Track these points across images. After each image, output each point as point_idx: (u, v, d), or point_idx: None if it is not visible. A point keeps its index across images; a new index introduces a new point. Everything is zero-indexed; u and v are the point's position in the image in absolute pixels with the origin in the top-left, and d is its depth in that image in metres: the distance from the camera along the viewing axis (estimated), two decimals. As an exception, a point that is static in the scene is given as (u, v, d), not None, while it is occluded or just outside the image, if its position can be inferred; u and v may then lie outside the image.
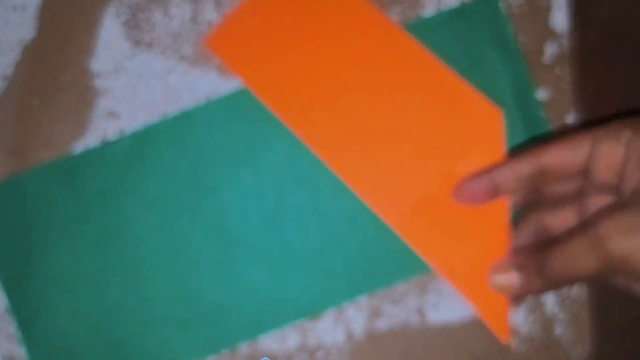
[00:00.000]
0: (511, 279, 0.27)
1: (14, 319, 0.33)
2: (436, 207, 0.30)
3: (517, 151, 0.29)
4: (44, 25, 0.34)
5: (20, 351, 0.34)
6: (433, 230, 0.30)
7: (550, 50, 0.34)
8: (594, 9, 0.34)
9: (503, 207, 0.29)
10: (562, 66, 0.34)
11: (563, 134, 0.32)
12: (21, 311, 0.33)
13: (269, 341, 0.34)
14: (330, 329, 0.34)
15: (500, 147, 0.30)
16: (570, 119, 0.34)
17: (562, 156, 0.26)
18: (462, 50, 0.33)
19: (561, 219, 0.29)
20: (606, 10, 0.34)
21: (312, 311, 0.33)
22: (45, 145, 0.34)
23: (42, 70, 0.34)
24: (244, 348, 0.34)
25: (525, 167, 0.27)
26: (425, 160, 0.31)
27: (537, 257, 0.26)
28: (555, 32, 0.34)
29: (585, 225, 0.24)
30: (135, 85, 0.34)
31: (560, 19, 0.34)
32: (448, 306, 0.34)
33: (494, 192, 0.28)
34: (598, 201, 0.28)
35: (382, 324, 0.34)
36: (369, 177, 0.31)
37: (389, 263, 0.33)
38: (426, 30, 0.33)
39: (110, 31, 0.34)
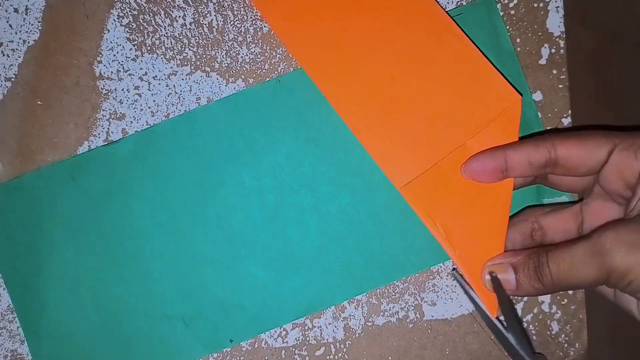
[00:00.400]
0: (507, 279, 0.27)
1: (18, 317, 0.34)
2: (444, 177, 0.31)
3: (533, 135, 0.29)
4: (48, 28, 0.34)
5: (24, 349, 0.34)
6: (438, 199, 0.31)
7: (545, 53, 0.34)
8: (589, 12, 0.34)
9: (508, 187, 0.29)
10: (558, 68, 0.34)
11: (583, 128, 0.32)
12: (25, 309, 0.33)
13: (269, 338, 0.34)
14: (330, 326, 0.34)
15: (515, 129, 0.30)
16: (566, 120, 0.34)
17: (578, 153, 0.26)
18: (460, 52, 0.33)
19: (560, 223, 0.29)
20: (601, 13, 0.34)
21: (312, 309, 0.34)
22: (49, 145, 0.34)
23: (46, 72, 0.34)
24: (245, 345, 0.34)
25: (540, 154, 0.27)
26: (441, 130, 0.31)
27: (536, 259, 0.26)
28: (550, 35, 0.34)
29: (589, 235, 0.24)
30: (139, 87, 0.34)
31: (555, 21, 0.34)
32: (445, 304, 0.34)
33: (503, 173, 0.28)
34: (599, 209, 0.28)
35: (380, 321, 0.34)
36: (384, 139, 0.32)
37: (388, 261, 0.33)
38: (424, 33, 0.33)
39: (114, 33, 0.34)
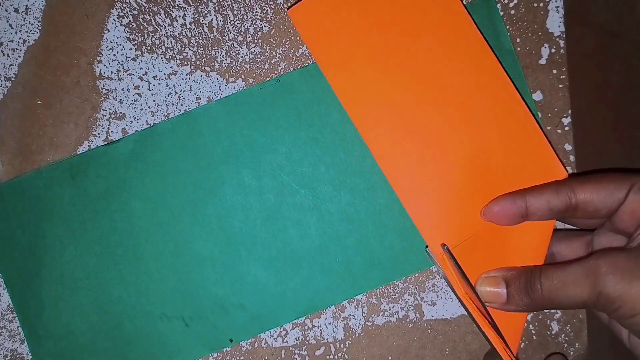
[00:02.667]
0: (498, 292, 0.27)
1: (18, 317, 0.34)
2: (485, 239, 0.30)
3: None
4: (48, 28, 0.34)
5: (24, 349, 0.34)
6: (479, 262, 0.30)
7: (545, 52, 0.34)
8: (589, 12, 0.34)
9: (544, 244, 0.30)
10: (558, 68, 0.34)
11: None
12: (25, 309, 0.34)
13: (269, 338, 0.34)
14: (329, 325, 0.34)
15: None
16: (566, 120, 0.34)
17: (598, 197, 0.26)
18: (460, 52, 0.33)
19: (571, 251, 0.30)
20: (601, 13, 0.34)
21: (312, 308, 0.34)
22: (49, 145, 0.34)
23: (46, 71, 0.34)
24: (245, 344, 0.34)
25: (560, 200, 0.27)
26: (485, 191, 0.30)
27: (529, 273, 0.26)
28: (550, 35, 0.34)
29: (585, 257, 0.25)
30: (139, 87, 0.34)
31: (555, 21, 0.34)
32: (445, 303, 0.34)
33: (523, 218, 0.28)
34: (609, 241, 0.28)
35: (380, 321, 0.34)
36: (427, 198, 0.30)
37: (388, 261, 0.33)
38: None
39: (114, 33, 0.34)
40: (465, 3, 0.34)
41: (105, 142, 0.34)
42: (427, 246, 0.31)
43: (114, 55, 0.34)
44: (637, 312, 0.23)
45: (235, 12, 0.34)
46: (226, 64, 0.34)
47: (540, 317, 0.34)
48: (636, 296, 0.23)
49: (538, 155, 0.30)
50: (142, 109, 0.34)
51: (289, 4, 0.34)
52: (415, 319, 0.34)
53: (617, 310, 0.23)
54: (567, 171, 0.30)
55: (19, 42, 0.34)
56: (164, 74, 0.34)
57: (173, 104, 0.34)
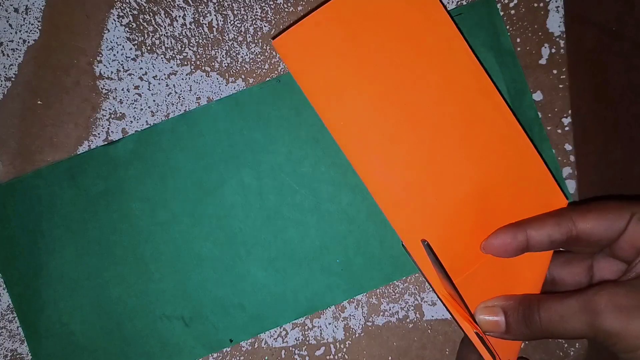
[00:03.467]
0: (497, 321, 0.27)
1: (18, 317, 0.34)
2: (489, 269, 0.29)
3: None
4: (48, 27, 0.34)
5: (24, 349, 0.34)
6: (485, 292, 0.29)
7: (545, 52, 0.34)
8: (589, 12, 0.34)
9: (540, 277, 0.29)
10: (558, 68, 0.34)
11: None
12: (25, 309, 0.33)
13: (269, 338, 0.34)
14: (330, 325, 0.34)
15: None
16: (566, 120, 0.34)
17: (598, 228, 0.26)
18: (460, 52, 0.33)
19: (571, 276, 0.30)
20: (601, 13, 0.34)
21: (312, 308, 0.34)
22: (49, 145, 0.34)
23: (46, 71, 0.34)
24: (245, 344, 0.34)
25: (561, 233, 0.27)
26: (487, 220, 0.29)
27: (527, 304, 0.26)
28: (550, 35, 0.34)
29: (584, 290, 0.25)
30: (139, 87, 0.34)
31: (555, 21, 0.34)
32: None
33: (523, 250, 0.28)
34: (609, 266, 0.28)
35: (380, 321, 0.34)
36: (417, 217, 0.29)
37: (388, 261, 0.33)
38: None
39: (114, 33, 0.34)
40: (465, 3, 0.34)
41: (105, 142, 0.34)
42: (403, 244, 0.30)
43: (114, 55, 0.34)
44: (635, 348, 0.23)
45: (235, 12, 0.34)
46: (226, 64, 0.34)
47: (540, 317, 0.34)
48: (635, 333, 0.23)
49: (538, 183, 0.30)
50: (142, 109, 0.34)
51: (289, 4, 0.34)
52: (415, 319, 0.34)
53: (615, 345, 0.23)
54: (567, 199, 0.30)
55: (19, 42, 0.34)
56: (164, 74, 0.34)
57: (173, 104, 0.34)
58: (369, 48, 0.29)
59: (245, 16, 0.34)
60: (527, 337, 0.26)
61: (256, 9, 0.34)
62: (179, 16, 0.34)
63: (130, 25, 0.34)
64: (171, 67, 0.34)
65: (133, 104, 0.34)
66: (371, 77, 0.29)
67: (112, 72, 0.34)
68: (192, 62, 0.34)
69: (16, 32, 0.34)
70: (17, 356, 0.34)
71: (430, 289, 0.34)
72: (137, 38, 0.34)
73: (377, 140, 0.29)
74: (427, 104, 0.29)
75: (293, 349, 0.34)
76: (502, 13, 0.34)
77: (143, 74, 0.34)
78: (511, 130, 0.30)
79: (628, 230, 0.26)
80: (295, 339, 0.34)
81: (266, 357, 0.34)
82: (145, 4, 0.34)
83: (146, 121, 0.34)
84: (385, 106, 0.29)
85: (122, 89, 0.34)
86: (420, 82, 0.29)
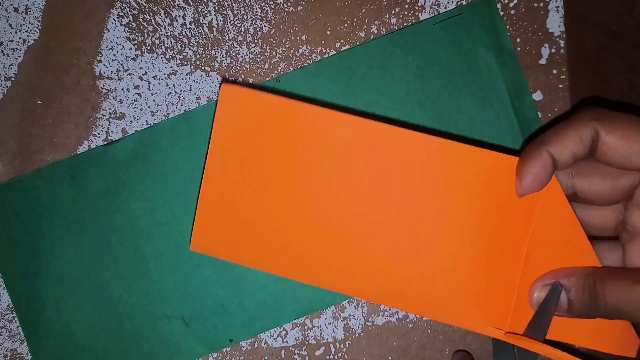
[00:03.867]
0: (560, 300, 0.25)
1: (17, 317, 0.34)
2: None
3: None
4: (48, 27, 0.34)
5: (24, 349, 0.34)
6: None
7: (545, 52, 0.34)
8: (589, 12, 0.34)
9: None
10: (558, 68, 0.34)
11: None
12: (24, 309, 0.33)
13: (269, 338, 0.34)
14: (329, 325, 0.34)
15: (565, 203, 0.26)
16: (566, 119, 0.34)
17: (622, 146, 0.24)
18: (459, 52, 0.33)
19: (600, 217, 0.28)
20: (602, 13, 0.34)
21: (312, 308, 0.34)
22: (49, 145, 0.34)
23: (46, 71, 0.34)
24: (245, 344, 0.34)
25: (584, 147, 0.25)
26: (498, 257, 0.27)
27: (592, 283, 0.25)
28: (550, 35, 0.34)
29: None
30: (138, 87, 0.34)
31: (555, 21, 0.34)
32: (446, 304, 0.34)
33: (552, 172, 0.25)
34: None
35: (380, 321, 0.34)
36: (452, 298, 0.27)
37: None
38: (423, 33, 0.33)
39: (114, 33, 0.34)
40: (465, 3, 0.34)
41: (105, 142, 0.34)
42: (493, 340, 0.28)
43: (114, 55, 0.34)
44: None
45: (235, 12, 0.34)
46: (226, 64, 0.34)
47: (540, 317, 0.34)
48: None
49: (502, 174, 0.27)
50: (142, 109, 0.34)
51: (289, 4, 0.34)
52: (415, 319, 0.34)
53: None
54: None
55: (18, 41, 0.34)
56: (164, 74, 0.34)
57: (173, 104, 0.34)
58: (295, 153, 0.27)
59: (245, 16, 0.34)
60: (591, 317, 0.25)
61: (256, 8, 0.34)
62: (179, 16, 0.34)
63: (130, 25, 0.34)
64: (171, 67, 0.34)
65: (133, 103, 0.34)
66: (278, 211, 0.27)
67: (112, 71, 0.34)
68: (192, 62, 0.34)
69: (16, 32, 0.34)
70: (17, 356, 0.34)
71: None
72: (137, 38, 0.34)
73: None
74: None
75: (293, 349, 0.34)
76: (502, 13, 0.34)
77: (143, 74, 0.34)
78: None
79: None
80: (295, 338, 0.34)
81: (266, 357, 0.34)
82: (145, 4, 0.34)
83: (146, 121, 0.34)
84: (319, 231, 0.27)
85: (122, 89, 0.34)
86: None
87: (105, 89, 0.34)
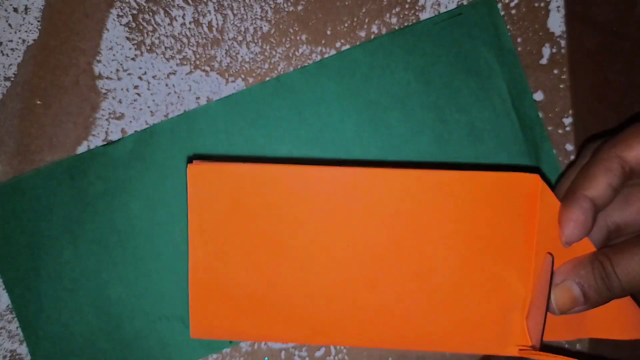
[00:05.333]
0: (574, 297, 0.25)
1: (17, 317, 0.33)
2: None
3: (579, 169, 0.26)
4: (47, 27, 0.34)
5: (23, 349, 0.34)
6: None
7: (546, 52, 0.34)
8: (591, 11, 0.34)
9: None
10: (559, 68, 0.34)
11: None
12: (24, 309, 0.33)
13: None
14: (329, 327, 0.34)
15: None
16: (567, 120, 0.34)
17: None
18: (460, 52, 0.33)
19: (635, 214, 0.27)
20: (603, 12, 0.34)
21: (312, 309, 0.33)
22: (48, 145, 0.34)
23: (45, 71, 0.34)
24: (244, 345, 0.34)
25: (616, 176, 0.25)
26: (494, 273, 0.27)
27: (601, 269, 0.24)
28: (551, 34, 0.34)
29: None
30: (138, 87, 0.34)
31: (556, 21, 0.34)
32: (446, 305, 0.34)
33: (596, 213, 0.25)
34: None
35: (381, 323, 0.34)
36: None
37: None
38: (424, 33, 0.33)
39: (113, 33, 0.34)
40: (465, 3, 0.34)
41: (105, 142, 0.34)
42: None
43: (113, 55, 0.34)
44: None
45: (235, 12, 0.34)
46: (226, 64, 0.34)
47: (541, 318, 0.34)
48: None
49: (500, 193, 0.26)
50: (141, 109, 0.34)
51: (289, 4, 0.34)
52: (415, 320, 0.34)
53: None
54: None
55: (18, 41, 0.34)
56: (164, 74, 0.34)
57: (172, 104, 0.34)
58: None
59: (245, 16, 0.34)
60: (607, 301, 0.25)
61: (256, 8, 0.34)
62: (179, 16, 0.34)
63: (130, 25, 0.34)
64: (170, 67, 0.34)
65: (132, 103, 0.34)
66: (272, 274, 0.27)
67: (111, 71, 0.34)
68: (192, 62, 0.34)
69: (15, 32, 0.34)
70: (17, 357, 0.34)
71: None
72: (136, 38, 0.34)
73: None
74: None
75: (293, 350, 0.34)
76: (502, 13, 0.34)
77: (142, 74, 0.34)
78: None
79: None
80: (295, 339, 0.34)
81: (266, 358, 0.34)
82: (144, 4, 0.34)
83: (145, 121, 0.34)
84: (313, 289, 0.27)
85: (122, 89, 0.34)
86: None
87: (105, 89, 0.34)
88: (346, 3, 0.34)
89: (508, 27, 0.34)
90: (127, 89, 0.34)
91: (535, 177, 0.26)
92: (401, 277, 0.26)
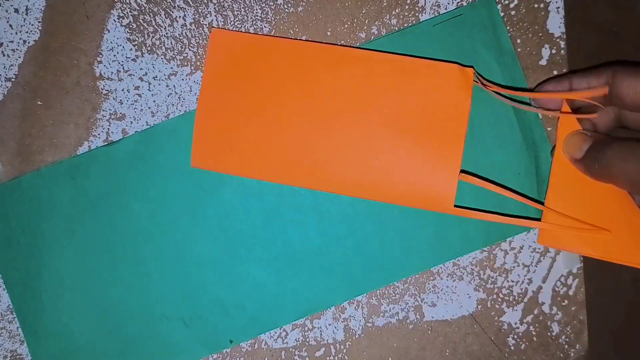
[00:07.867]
0: (581, 147, 0.29)
1: (17, 318, 0.34)
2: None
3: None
4: (48, 28, 0.34)
5: (23, 349, 0.34)
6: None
7: (546, 53, 0.34)
8: (590, 12, 0.34)
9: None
10: (558, 69, 0.34)
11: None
12: (24, 310, 0.33)
13: (269, 339, 0.34)
14: (330, 326, 0.34)
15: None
16: (566, 120, 0.34)
17: (629, 92, 0.27)
18: (459, 53, 0.33)
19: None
20: (602, 13, 0.34)
21: (312, 309, 0.34)
22: (49, 146, 0.34)
23: (46, 72, 0.34)
24: (245, 345, 0.34)
25: (599, 82, 0.29)
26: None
27: (601, 144, 0.28)
28: (551, 35, 0.34)
29: None
30: (139, 87, 0.34)
31: (556, 22, 0.34)
32: (445, 304, 0.34)
33: (567, 93, 0.30)
34: None
35: (380, 322, 0.34)
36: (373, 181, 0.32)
37: (387, 262, 0.33)
38: (424, 34, 0.33)
39: (114, 34, 0.34)
40: (465, 3, 0.34)
41: (106, 143, 0.34)
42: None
43: (114, 55, 0.34)
44: None
45: (236, 13, 0.34)
46: (226, 65, 0.34)
47: (540, 318, 0.34)
48: None
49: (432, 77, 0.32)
50: (142, 110, 0.34)
51: (289, 5, 0.34)
52: (415, 320, 0.34)
53: None
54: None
55: (19, 42, 0.34)
56: (164, 75, 0.34)
57: (173, 105, 0.34)
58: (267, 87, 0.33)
59: (245, 17, 0.34)
60: (595, 173, 0.28)
61: (256, 9, 0.34)
62: (179, 17, 0.34)
63: (131, 26, 0.34)
64: (171, 68, 0.34)
65: (133, 104, 0.34)
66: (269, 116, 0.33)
67: (112, 72, 0.34)
68: (193, 63, 0.34)
69: (16, 33, 0.34)
70: (17, 357, 0.34)
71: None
72: (137, 39, 0.34)
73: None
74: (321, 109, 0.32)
75: (293, 350, 0.34)
76: (502, 14, 0.34)
77: (143, 75, 0.34)
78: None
79: None
80: (295, 339, 0.34)
81: (266, 358, 0.34)
82: (145, 5, 0.34)
83: (146, 122, 0.34)
84: (298, 129, 0.32)
85: (122, 90, 0.34)
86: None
87: (106, 90, 0.34)
88: (346, 4, 0.34)
89: (508, 28, 0.34)
90: (127, 90, 0.34)
91: (469, 70, 0.31)
92: (354, 132, 0.32)
